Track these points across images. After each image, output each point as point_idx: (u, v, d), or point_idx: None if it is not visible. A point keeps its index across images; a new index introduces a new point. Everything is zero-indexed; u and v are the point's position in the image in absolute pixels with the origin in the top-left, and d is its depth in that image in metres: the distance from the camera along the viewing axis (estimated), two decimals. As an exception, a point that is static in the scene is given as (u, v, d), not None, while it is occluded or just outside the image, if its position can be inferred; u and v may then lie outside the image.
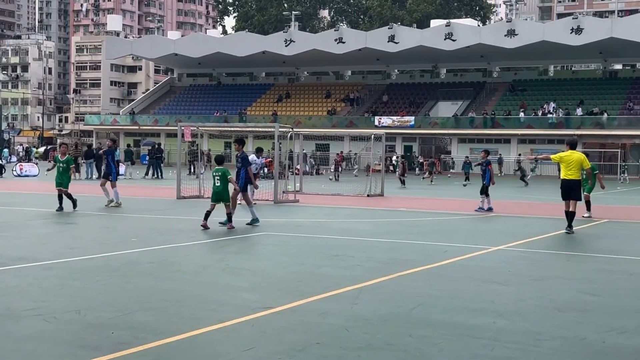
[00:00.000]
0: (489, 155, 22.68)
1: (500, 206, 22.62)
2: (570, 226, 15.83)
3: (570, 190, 15.96)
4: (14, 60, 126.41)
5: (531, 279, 10.08)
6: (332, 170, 47.28)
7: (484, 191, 21.42)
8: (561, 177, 16.35)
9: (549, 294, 9.02)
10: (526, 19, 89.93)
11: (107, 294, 8.45)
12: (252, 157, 23.13)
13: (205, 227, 14.98)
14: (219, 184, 15.29)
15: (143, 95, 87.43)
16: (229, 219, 15.39)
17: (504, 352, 6.34)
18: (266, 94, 75.17)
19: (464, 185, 37.02)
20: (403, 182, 35.58)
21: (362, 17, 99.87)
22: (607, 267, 11.47)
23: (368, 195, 27.43)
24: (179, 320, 7.26)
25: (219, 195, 15.32)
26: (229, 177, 15.30)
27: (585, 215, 19.23)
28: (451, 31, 60.66)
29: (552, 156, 16.77)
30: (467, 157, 47.14)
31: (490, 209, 21.23)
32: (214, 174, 15.41)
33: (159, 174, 40.53)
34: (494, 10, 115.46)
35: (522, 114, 59.88)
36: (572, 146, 16.53)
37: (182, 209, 20.77)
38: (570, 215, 15.88)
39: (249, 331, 6.87)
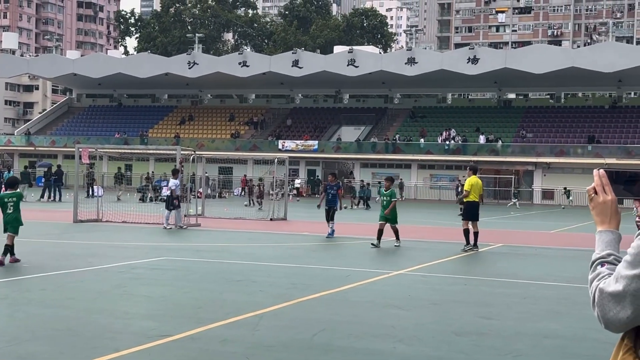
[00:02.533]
0: (336, 179, 22.90)
1: (400, 230, 22.94)
2: (476, 245, 17.47)
3: (477, 212, 17.65)
4: None
5: (430, 302, 10.22)
6: (244, 194, 46.69)
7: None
8: (469, 200, 17.57)
9: (447, 318, 9.15)
10: (425, 48, 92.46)
11: (-6, 324, 8.03)
12: (172, 181, 22.90)
13: (1, 263, 12.69)
14: (11, 211, 13.07)
15: (40, 115, 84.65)
16: (11, 251, 13.00)
17: (404, 377, 6.36)
18: (169, 116, 74.18)
19: (346, 208, 36.71)
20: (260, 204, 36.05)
21: (266, 41, 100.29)
22: (503, 290, 11.78)
23: (271, 219, 27.34)
24: (72, 349, 6.96)
25: (16, 223, 13.10)
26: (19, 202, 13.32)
27: (396, 244, 17.97)
28: (354, 57, 61.65)
29: (466, 188, 17.85)
30: (362, 181, 47.94)
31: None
32: (6, 199, 13.09)
33: (58, 196, 39.22)
34: (395, 38, 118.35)
35: (422, 140, 61.30)
36: (475, 172, 17.91)
37: (79, 233, 20.11)
38: (475, 235, 17.51)
39: (146, 361, 6.65)
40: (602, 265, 2.39)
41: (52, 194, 39.30)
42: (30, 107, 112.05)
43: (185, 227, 22.67)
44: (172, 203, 22.49)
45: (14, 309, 8.89)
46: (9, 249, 12.98)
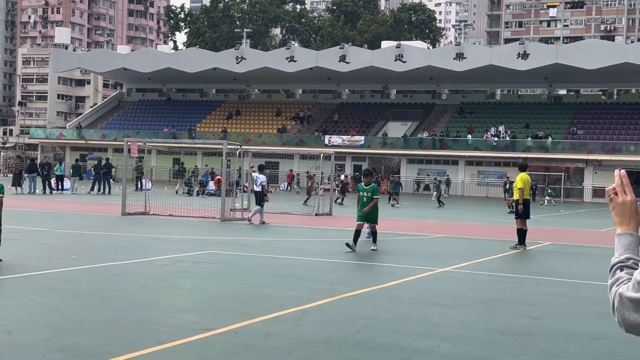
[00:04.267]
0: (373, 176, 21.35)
1: (445, 227, 22.75)
2: (524, 244, 17.04)
3: (528, 209, 17.22)
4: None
5: (476, 301, 10.05)
6: (289, 189, 46.57)
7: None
8: (524, 198, 17.17)
9: (493, 316, 8.99)
10: (474, 43, 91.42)
11: (41, 314, 8.13)
12: (261, 176, 23.02)
13: None
14: None
15: (91, 109, 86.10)
16: None
17: (448, 377, 6.25)
18: (216, 110, 74.74)
19: (392, 206, 36.32)
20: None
21: (313, 36, 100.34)
22: (551, 289, 11.53)
23: (316, 215, 27.32)
24: (115, 341, 7.00)
25: None
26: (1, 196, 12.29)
27: (373, 248, 15.85)
28: (401, 53, 61.27)
29: (519, 186, 17.33)
30: (393, 176, 47.68)
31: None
32: None
33: (107, 189, 39.80)
34: (443, 33, 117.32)
35: (469, 136, 60.66)
36: (524, 169, 17.53)
37: (127, 225, 20.35)
38: (524, 233, 17.11)
39: (188, 354, 6.66)
40: (621, 270, 2.38)
41: (102, 187, 39.89)
42: (82, 101, 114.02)
43: (267, 222, 22.47)
44: (261, 199, 22.61)
45: (61, 300, 9.00)
46: None
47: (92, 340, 7.00)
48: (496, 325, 8.44)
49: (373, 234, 15.83)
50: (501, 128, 60.68)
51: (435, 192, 40.59)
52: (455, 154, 59.97)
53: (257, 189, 22.95)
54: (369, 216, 15.71)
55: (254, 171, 26.17)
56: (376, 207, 15.87)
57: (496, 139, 59.58)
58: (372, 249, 15.62)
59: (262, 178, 23.06)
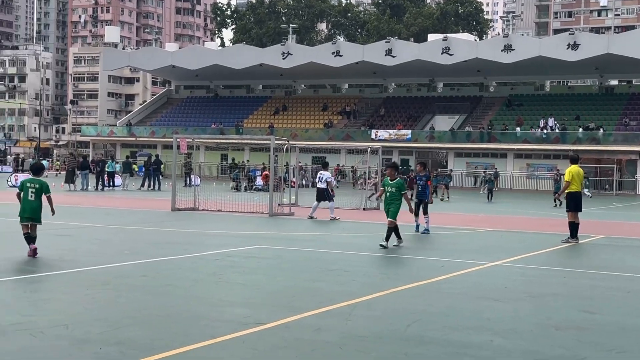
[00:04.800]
0: (426, 169, 20.10)
1: (495, 221, 22.51)
2: (577, 237, 16.74)
3: (579, 202, 16.94)
4: (12, 70, 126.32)
5: (528, 295, 9.93)
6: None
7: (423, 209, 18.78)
8: (571, 190, 16.89)
9: (546, 311, 8.87)
10: (523, 35, 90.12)
11: (96, 308, 8.29)
12: (326, 173, 23.18)
13: (34, 253, 12.01)
14: (32, 198, 12.16)
15: (140, 106, 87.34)
16: (33, 240, 12.13)
17: (501, 372, 6.19)
18: (263, 106, 75.14)
19: (442, 200, 36.04)
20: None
21: (359, 30, 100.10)
22: (605, 283, 11.34)
23: (364, 209, 27.28)
24: (169, 335, 7.10)
25: (33, 213, 12.16)
26: (47, 194, 12.35)
27: (396, 243, 15.10)
28: (448, 45, 60.77)
29: (566, 178, 17.05)
30: (436, 170, 47.16)
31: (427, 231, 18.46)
32: (29, 184, 12.24)
33: (157, 185, 40.34)
34: (490, 25, 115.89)
35: (518, 129, 59.88)
36: (575, 161, 17.26)
37: (177, 221, 20.61)
38: (576, 227, 16.84)
39: (240, 348, 6.72)
40: None
41: (152, 183, 40.45)
42: (131, 99, 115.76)
43: (338, 218, 22.36)
44: (329, 195, 22.77)
45: (116, 294, 9.16)
46: (32, 238, 12.15)
47: (146, 334, 7.11)
48: (549, 320, 8.33)
49: (394, 230, 14.76)
50: (551, 120, 59.76)
51: (486, 186, 40.11)
52: (503, 147, 59.27)
53: (321, 185, 23.00)
54: (389, 209, 14.77)
55: (302, 167, 26.26)
56: (399, 202, 14.87)
57: (545, 131, 58.70)
58: (395, 245, 14.86)
59: (326, 174, 23.10)
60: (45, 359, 6.22)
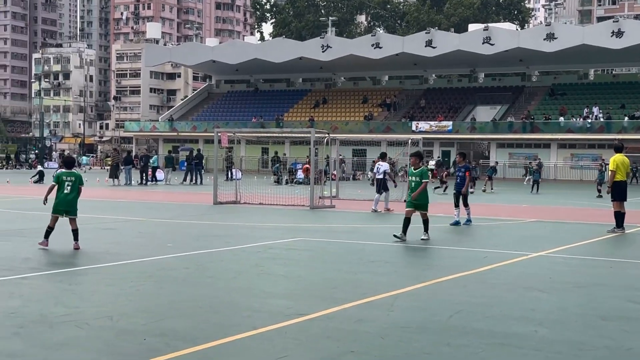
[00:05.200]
0: (465, 160, 19.73)
1: (540, 212, 22.24)
2: (623, 227, 16.47)
3: (624, 192, 16.71)
4: (56, 68, 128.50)
5: (573, 286, 9.79)
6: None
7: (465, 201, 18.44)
8: (616, 180, 16.66)
9: (592, 301, 8.73)
10: (565, 23, 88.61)
11: (140, 300, 8.38)
12: (384, 164, 22.94)
13: (45, 246, 12.26)
14: (68, 191, 12.29)
15: (182, 102, 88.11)
16: (76, 237, 12.35)
17: (546, 363, 6.10)
18: (303, 99, 75.22)
19: (483, 191, 35.56)
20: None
21: (399, 22, 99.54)
22: (653, 274, 11.11)
23: (405, 201, 27.13)
24: (212, 326, 7.15)
25: (69, 206, 12.32)
26: (80, 185, 12.49)
27: (424, 237, 14.54)
28: (489, 35, 60.10)
29: (611, 168, 16.80)
30: (496, 162, 46.58)
31: (458, 223, 18.13)
32: (64, 177, 12.37)
33: (199, 179, 40.69)
34: (532, 14, 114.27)
35: (561, 119, 59.00)
36: (619, 150, 17.01)
37: (219, 214, 20.76)
38: (622, 216, 16.60)
39: (283, 339, 6.74)
40: None
41: (194, 177, 40.80)
42: (173, 94, 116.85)
43: (392, 210, 22.12)
44: (384, 186, 22.58)
45: (159, 286, 9.26)
46: (76, 233, 12.34)
47: (189, 325, 7.18)
48: (595, 310, 8.20)
49: (424, 222, 14.43)
50: (595, 109, 58.75)
51: (530, 177, 39.49)
52: (546, 137, 58.48)
53: (379, 176, 22.77)
54: (418, 202, 14.33)
55: (342, 160, 26.22)
56: (426, 193, 14.42)
57: (590, 120, 57.74)
58: (422, 239, 14.31)
59: (384, 166, 22.85)
60: (91, 349, 6.31)
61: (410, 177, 14.75)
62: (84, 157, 74.18)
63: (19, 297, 8.41)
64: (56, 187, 12.42)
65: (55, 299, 8.40)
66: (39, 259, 11.41)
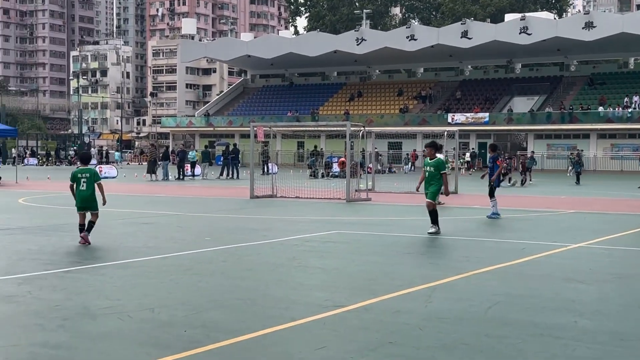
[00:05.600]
0: (496, 151, 19.15)
1: (578, 203, 22.00)
2: None
3: None
4: (94, 65, 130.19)
5: (614, 276, 9.68)
6: (413, 169, 45.80)
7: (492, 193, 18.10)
8: None
9: (633, 292, 8.64)
10: (604, 11, 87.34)
11: (180, 293, 8.50)
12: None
13: (86, 240, 12.28)
14: (84, 188, 12.34)
15: (217, 97, 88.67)
16: (89, 229, 12.45)
17: (587, 353, 6.06)
18: (338, 93, 75.19)
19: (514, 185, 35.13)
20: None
21: (434, 13, 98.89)
22: (696, 264, 10.94)
23: (441, 193, 27.00)
24: (251, 318, 7.23)
25: (87, 202, 12.40)
26: (98, 182, 12.51)
27: (431, 231, 14.10)
28: (526, 25, 59.43)
29: None
30: (532, 152, 46.02)
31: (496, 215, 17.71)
32: (80, 175, 12.40)
33: (236, 174, 40.95)
34: (570, 3, 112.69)
35: (601, 108, 58.14)
36: None
37: (255, 208, 20.89)
38: None
39: (321, 330, 6.78)
40: None
41: (230, 172, 41.07)
42: (208, 90, 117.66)
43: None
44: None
45: (198, 279, 9.37)
46: (89, 227, 12.42)
47: (229, 317, 7.26)
48: (637, 301, 8.11)
49: (433, 214, 14.09)
50: (636, 98, 57.79)
51: (572, 168, 38.79)
52: (586, 128, 57.69)
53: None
54: (429, 191, 14.11)
55: (378, 153, 26.11)
56: (440, 183, 14.13)
57: (630, 110, 56.82)
58: (429, 232, 13.92)
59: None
60: (133, 340, 6.42)
61: (425, 168, 14.46)
62: (116, 153, 74.92)
63: (62, 290, 8.58)
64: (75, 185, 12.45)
65: (98, 291, 8.55)
66: (80, 253, 11.61)
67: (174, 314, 7.36)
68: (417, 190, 15.48)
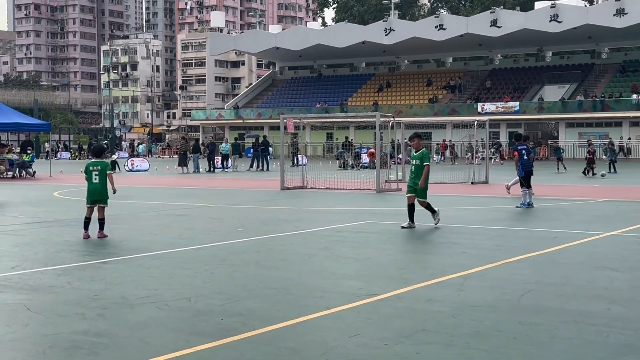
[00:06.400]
0: (521, 141, 18.64)
1: (610, 191, 21.83)
2: None
3: None
4: (124, 59, 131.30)
5: (647, 265, 9.66)
6: (443, 159, 45.39)
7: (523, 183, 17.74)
8: None
9: (667, 280, 8.61)
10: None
11: (215, 282, 8.65)
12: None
13: (87, 237, 12.26)
14: (97, 181, 12.38)
15: (246, 89, 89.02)
16: (101, 226, 12.46)
17: (620, 339, 6.10)
18: (367, 84, 75.09)
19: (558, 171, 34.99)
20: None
21: (462, 2, 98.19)
22: None
23: (472, 183, 26.99)
24: (286, 307, 7.35)
25: (98, 195, 12.42)
26: (108, 172, 12.53)
27: (435, 223, 13.89)
28: (556, 13, 58.81)
29: None
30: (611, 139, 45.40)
31: (529, 204, 17.43)
32: (91, 167, 12.44)
33: (266, 165, 41.13)
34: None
35: (634, 96, 57.41)
36: None
37: (286, 199, 21.03)
38: None
39: (355, 318, 6.89)
40: None
41: (260, 164, 41.27)
42: (237, 82, 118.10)
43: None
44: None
45: (233, 269, 9.52)
46: (102, 222, 12.45)
47: (265, 306, 7.39)
48: (670, 289, 8.09)
49: (427, 208, 13.68)
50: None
51: (608, 156, 38.01)
52: (618, 115, 57.03)
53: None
54: (416, 187, 13.51)
55: (407, 144, 26.06)
56: (426, 178, 13.49)
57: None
58: (436, 225, 13.67)
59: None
60: (172, 329, 6.57)
61: (412, 160, 13.89)
62: (140, 146, 75.50)
63: (100, 281, 8.78)
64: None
65: (135, 282, 8.73)
66: (115, 244, 11.82)
67: (210, 303, 7.51)
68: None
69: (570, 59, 67.42)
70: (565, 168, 36.17)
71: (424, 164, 13.47)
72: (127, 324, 6.74)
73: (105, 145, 15.73)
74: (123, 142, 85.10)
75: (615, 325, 6.52)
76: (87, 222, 12.44)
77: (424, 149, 13.88)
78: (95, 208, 12.50)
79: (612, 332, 6.32)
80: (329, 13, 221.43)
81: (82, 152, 69.77)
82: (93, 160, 12.82)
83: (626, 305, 7.32)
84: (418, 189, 13.51)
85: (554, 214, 16.65)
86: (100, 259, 10.38)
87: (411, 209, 13.59)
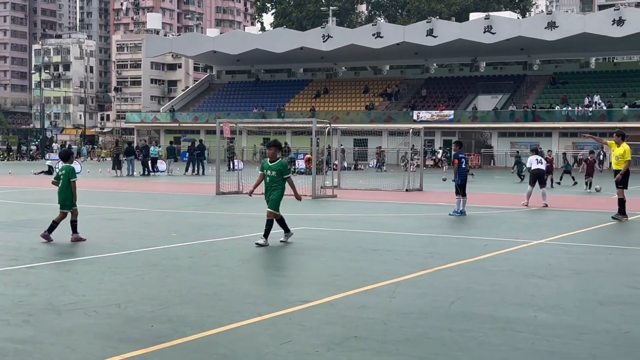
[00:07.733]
0: (460, 148, 19.33)
1: (539, 200, 22.29)
2: (625, 213, 16.70)
3: (627, 179, 16.92)
4: (56, 59, 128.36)
5: (573, 272, 9.92)
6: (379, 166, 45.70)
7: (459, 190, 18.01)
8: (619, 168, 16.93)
9: (591, 287, 8.86)
10: (567, 11, 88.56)
11: (146, 288, 8.52)
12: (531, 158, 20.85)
13: (47, 239, 12.17)
14: (62, 185, 12.43)
15: (183, 92, 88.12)
16: (74, 228, 12.34)
17: (546, 346, 6.24)
18: (304, 89, 75.25)
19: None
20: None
21: (400, 11, 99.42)
22: (652, 260, 11.23)
23: (407, 190, 27.30)
24: (218, 313, 7.29)
25: (62, 200, 12.40)
26: (72, 179, 12.33)
27: (283, 239, 12.82)
28: (490, 24, 60.07)
29: (627, 158, 16.78)
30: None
31: (461, 212, 17.81)
32: (59, 172, 12.66)
33: (202, 170, 40.77)
34: (533, 3, 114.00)
35: (563, 108, 59.01)
36: (624, 137, 17.16)
37: (222, 204, 20.89)
38: (623, 203, 16.83)
39: (287, 324, 6.87)
40: None
41: (196, 168, 40.89)
42: (174, 85, 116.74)
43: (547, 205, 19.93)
44: (544, 180, 21.10)
45: (165, 275, 9.39)
46: (73, 224, 12.34)
47: (196, 312, 7.31)
48: (594, 296, 8.33)
49: (279, 222, 12.53)
50: (596, 98, 58.77)
51: (517, 167, 38.57)
52: (548, 126, 58.53)
53: (541, 166, 20.63)
54: (269, 198, 12.47)
55: (343, 150, 26.23)
56: (282, 189, 12.60)
57: (591, 109, 57.75)
58: (282, 240, 12.52)
59: (537, 158, 20.91)
60: (100, 335, 6.44)
61: (265, 171, 12.52)
62: (84, 148, 74.17)
63: (26, 286, 8.55)
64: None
65: (63, 287, 8.53)
66: (44, 248, 11.54)
67: (140, 309, 7.39)
68: (250, 195, 13.60)
69: (503, 69, 68.92)
70: (574, 180, 34.92)
71: (284, 176, 12.45)
72: (53, 331, 6.57)
73: (71, 150, 15.46)
74: (54, 144, 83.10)
75: (541, 332, 6.67)
76: (54, 225, 12.31)
77: (281, 159, 12.72)
78: (69, 212, 12.38)
79: (538, 339, 6.46)
80: (268, 18, 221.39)
81: (11, 154, 67.94)
82: (62, 164, 12.85)
83: (552, 312, 7.50)
84: (270, 200, 12.43)
85: (485, 221, 16.96)
86: (27, 263, 10.12)
87: (269, 225, 12.27)
